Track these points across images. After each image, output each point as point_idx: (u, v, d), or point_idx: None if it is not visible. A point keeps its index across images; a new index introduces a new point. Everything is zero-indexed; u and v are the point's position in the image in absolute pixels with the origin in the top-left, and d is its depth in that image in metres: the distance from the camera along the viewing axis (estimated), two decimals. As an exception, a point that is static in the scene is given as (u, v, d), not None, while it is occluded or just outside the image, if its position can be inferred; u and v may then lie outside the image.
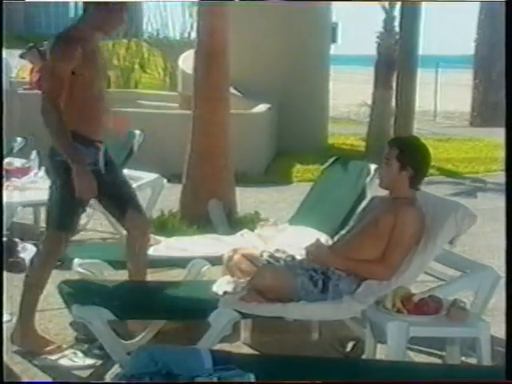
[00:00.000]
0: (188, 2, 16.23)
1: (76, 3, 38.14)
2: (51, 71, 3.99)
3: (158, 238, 4.88)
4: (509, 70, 2.53)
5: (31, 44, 10.83)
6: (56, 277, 4.33)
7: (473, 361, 3.67)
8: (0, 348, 2.98)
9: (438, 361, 4.03)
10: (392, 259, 3.77)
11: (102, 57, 4.30)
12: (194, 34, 9.53)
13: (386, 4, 12.49)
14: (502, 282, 3.70)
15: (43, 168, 6.89)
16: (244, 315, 3.74)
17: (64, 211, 4.10)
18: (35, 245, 5.68)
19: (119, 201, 4.22)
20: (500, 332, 4.15)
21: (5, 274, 3.27)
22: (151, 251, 4.53)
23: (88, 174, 3.93)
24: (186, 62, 11.47)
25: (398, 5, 12.26)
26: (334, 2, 13.28)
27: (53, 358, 4.04)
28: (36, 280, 4.16)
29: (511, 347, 2.46)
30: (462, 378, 3.03)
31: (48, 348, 4.11)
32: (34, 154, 7.01)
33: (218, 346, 3.69)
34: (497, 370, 3.16)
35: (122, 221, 4.30)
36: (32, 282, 4.16)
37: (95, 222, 6.88)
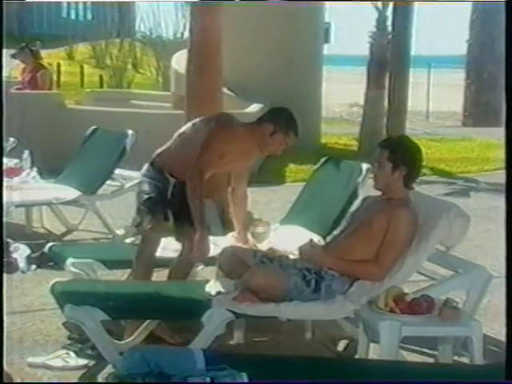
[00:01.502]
0: (182, 2, 16.19)
1: (69, 4, 38.14)
2: (211, 146, 4.25)
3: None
4: (509, 69, 2.53)
5: (23, 44, 10.78)
6: (48, 277, 4.32)
7: (465, 360, 3.68)
8: (0, 349, 2.97)
9: (431, 360, 4.04)
10: (385, 259, 3.77)
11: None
12: (186, 34, 9.52)
13: (379, 4, 12.51)
14: (495, 281, 3.72)
15: (35, 168, 6.93)
16: (237, 315, 3.74)
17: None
18: (27, 245, 5.69)
19: (183, 217, 4.33)
20: (492, 331, 4.17)
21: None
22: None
23: (207, 239, 4.20)
24: (179, 61, 11.45)
25: (391, 5, 12.28)
26: (327, 2, 13.31)
27: (46, 358, 4.03)
28: (146, 266, 4.38)
29: (511, 347, 2.45)
30: (455, 376, 3.04)
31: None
32: (26, 153, 7.00)
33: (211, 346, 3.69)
34: (489, 369, 3.17)
35: (181, 235, 4.42)
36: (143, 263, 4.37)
37: (88, 222, 6.87)
